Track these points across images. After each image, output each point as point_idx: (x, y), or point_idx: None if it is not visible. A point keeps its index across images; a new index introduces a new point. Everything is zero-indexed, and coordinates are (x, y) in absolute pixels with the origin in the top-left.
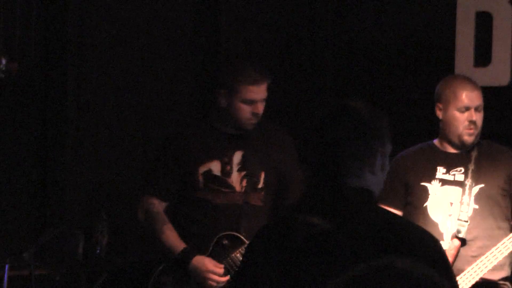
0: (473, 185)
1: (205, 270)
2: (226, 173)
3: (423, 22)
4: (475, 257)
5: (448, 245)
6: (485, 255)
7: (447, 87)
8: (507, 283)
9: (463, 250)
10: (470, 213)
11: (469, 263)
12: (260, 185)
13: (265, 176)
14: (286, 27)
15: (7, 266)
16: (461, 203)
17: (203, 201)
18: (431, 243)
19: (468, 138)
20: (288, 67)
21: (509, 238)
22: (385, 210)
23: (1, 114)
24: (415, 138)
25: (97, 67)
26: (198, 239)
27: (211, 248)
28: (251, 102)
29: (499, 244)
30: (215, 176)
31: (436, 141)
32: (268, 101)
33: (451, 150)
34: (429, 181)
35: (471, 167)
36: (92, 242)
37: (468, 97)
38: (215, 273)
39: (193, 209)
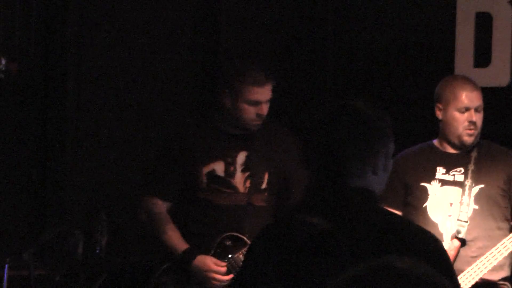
0: (473, 185)
1: (207, 269)
2: (230, 173)
3: (423, 22)
4: (475, 258)
5: (448, 245)
6: (484, 256)
7: (447, 88)
8: (507, 283)
9: (463, 251)
10: (470, 213)
11: (469, 263)
12: (264, 186)
13: (269, 176)
14: (286, 27)
15: (6, 266)
16: (461, 203)
17: (206, 201)
18: (432, 243)
19: (468, 139)
20: (288, 67)
21: (509, 239)
22: (386, 210)
23: (1, 114)
24: (415, 138)
25: (97, 67)
26: (201, 240)
27: (213, 248)
28: (256, 103)
29: (498, 245)
30: (219, 176)
31: (435, 142)
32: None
33: (451, 150)
34: (429, 182)
35: (471, 167)
36: (91, 242)
37: (468, 97)
38: (217, 272)
39: (196, 210)
